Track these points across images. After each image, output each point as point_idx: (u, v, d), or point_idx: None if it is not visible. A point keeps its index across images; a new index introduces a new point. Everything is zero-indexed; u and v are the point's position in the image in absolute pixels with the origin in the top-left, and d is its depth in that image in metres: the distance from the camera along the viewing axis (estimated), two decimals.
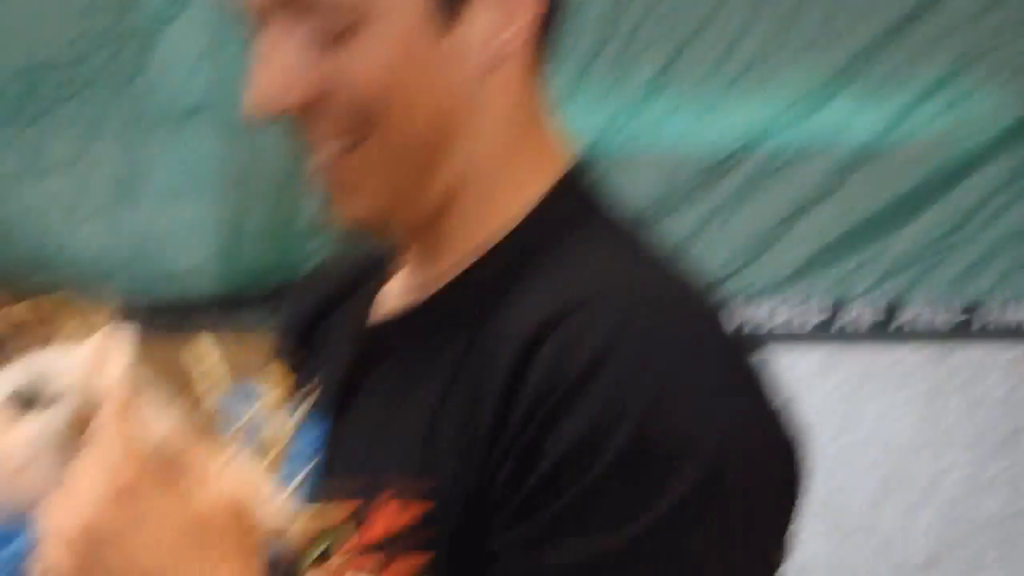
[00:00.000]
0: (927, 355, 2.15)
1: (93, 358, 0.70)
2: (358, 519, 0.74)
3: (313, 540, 0.75)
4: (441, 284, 0.79)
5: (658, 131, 2.18)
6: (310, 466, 0.79)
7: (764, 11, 2.16)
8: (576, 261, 0.74)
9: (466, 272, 0.78)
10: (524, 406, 0.68)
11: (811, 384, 2.12)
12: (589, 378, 0.67)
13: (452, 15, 0.74)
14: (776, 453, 0.71)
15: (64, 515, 0.66)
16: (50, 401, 0.68)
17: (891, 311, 2.16)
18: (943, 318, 2.15)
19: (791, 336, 2.14)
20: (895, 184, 2.16)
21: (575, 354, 0.67)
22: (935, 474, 2.14)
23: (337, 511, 0.75)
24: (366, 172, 0.76)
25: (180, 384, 0.75)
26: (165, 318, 2.13)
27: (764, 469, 0.70)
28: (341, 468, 0.79)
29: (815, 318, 2.17)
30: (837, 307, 2.17)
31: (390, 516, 0.72)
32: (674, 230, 2.07)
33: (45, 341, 0.73)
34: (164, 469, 0.68)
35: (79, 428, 0.68)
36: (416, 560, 0.71)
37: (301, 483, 0.78)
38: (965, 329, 2.15)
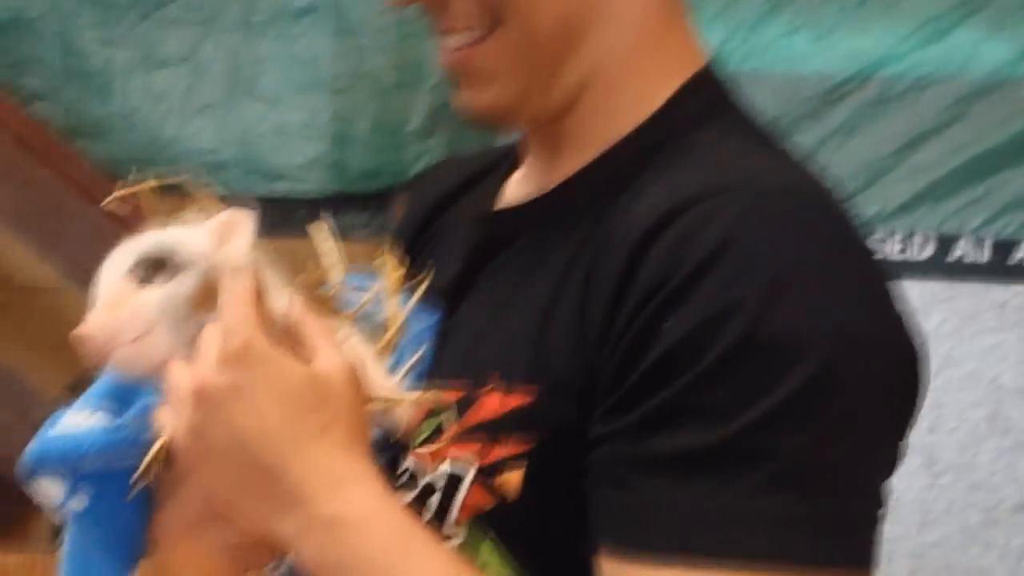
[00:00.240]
0: None
1: (217, 233, 0.71)
2: (464, 404, 0.75)
3: (419, 422, 0.76)
4: (566, 176, 0.78)
5: (774, 52, 2.14)
6: (421, 351, 0.80)
7: None
8: (705, 154, 0.73)
9: (592, 164, 0.77)
10: (640, 293, 0.67)
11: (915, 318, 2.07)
12: (708, 268, 0.66)
13: None
14: (893, 357, 0.70)
15: (183, 377, 0.68)
16: (175, 271, 0.70)
17: (1005, 248, 2.11)
18: None
19: (899, 267, 2.10)
20: (1017, 118, 2.09)
21: (696, 242, 0.67)
22: None
23: (444, 396, 0.75)
24: (496, 62, 0.75)
25: (297, 267, 0.76)
26: (271, 216, 2.17)
27: (879, 372, 0.68)
28: (451, 355, 0.80)
29: (924, 252, 2.13)
30: (948, 241, 2.12)
31: (496, 402, 0.73)
32: None
33: (169, 222, 0.74)
34: (280, 338, 0.70)
35: (202, 298, 0.69)
36: (519, 446, 0.71)
37: (411, 367, 0.79)
38: None
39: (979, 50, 2.10)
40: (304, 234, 0.81)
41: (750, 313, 0.65)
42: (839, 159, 2.11)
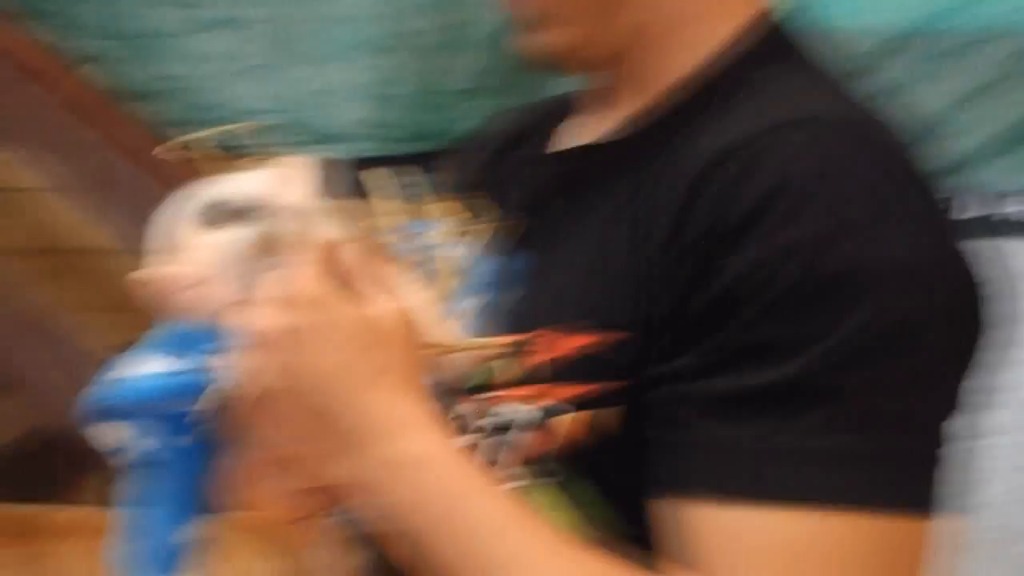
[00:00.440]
0: None
1: (278, 180, 0.72)
2: (521, 349, 0.74)
3: (476, 366, 0.76)
4: (626, 118, 0.78)
5: (829, 8, 2.10)
6: (479, 296, 0.79)
7: None
8: (765, 92, 0.73)
9: (653, 106, 0.77)
10: (698, 232, 0.67)
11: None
12: (767, 204, 0.65)
13: None
14: (955, 294, 0.69)
15: (249, 321, 0.69)
16: (238, 217, 0.70)
17: None
18: None
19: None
20: None
21: (755, 179, 0.66)
22: None
23: (502, 340, 0.75)
24: (557, 4, 0.76)
25: (357, 212, 0.76)
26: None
27: (941, 309, 0.67)
28: (509, 300, 0.79)
29: (978, 209, 2.10)
30: (998, 198, 2.10)
31: (553, 348, 0.73)
32: None
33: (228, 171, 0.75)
34: (341, 280, 0.70)
35: (264, 244, 0.69)
36: (578, 390, 0.71)
37: (469, 312, 0.79)
38: None
39: None
40: (348, 195, 0.81)
41: (811, 250, 0.64)
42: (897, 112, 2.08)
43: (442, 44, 2.48)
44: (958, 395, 0.70)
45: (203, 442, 0.74)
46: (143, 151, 1.95)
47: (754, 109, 0.71)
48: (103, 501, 2.10)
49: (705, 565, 0.65)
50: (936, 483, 0.67)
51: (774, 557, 0.64)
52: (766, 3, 0.79)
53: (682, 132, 0.72)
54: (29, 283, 2.44)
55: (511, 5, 0.78)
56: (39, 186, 2.19)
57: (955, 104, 2.08)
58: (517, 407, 0.73)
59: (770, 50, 0.76)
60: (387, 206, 0.81)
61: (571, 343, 0.72)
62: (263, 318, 0.68)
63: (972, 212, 2.10)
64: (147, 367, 0.73)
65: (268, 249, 0.70)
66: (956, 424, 0.69)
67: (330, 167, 0.74)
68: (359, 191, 0.77)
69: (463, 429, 0.75)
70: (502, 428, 0.73)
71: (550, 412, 0.72)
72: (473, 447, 0.74)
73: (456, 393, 0.76)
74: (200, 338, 0.72)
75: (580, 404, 0.71)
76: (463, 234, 0.83)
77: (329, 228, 0.73)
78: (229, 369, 0.70)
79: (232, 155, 0.77)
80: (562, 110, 0.87)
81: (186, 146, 0.79)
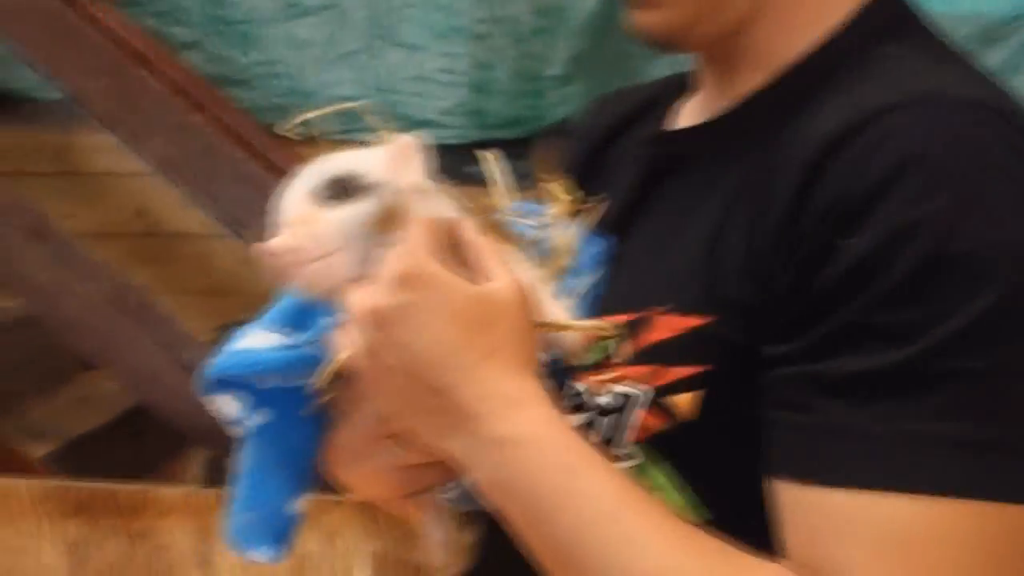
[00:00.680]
0: None
1: (394, 157, 0.72)
2: (634, 330, 0.74)
3: (588, 347, 0.75)
4: (740, 98, 0.76)
5: None
6: (591, 277, 0.79)
7: None
8: (888, 69, 0.71)
9: (768, 84, 0.75)
10: (818, 210, 0.65)
11: None
12: (892, 183, 0.63)
13: None
14: None
15: (360, 298, 0.69)
16: (357, 194, 0.70)
17: None
18: None
19: None
20: None
21: (879, 157, 0.64)
22: None
23: (614, 321, 0.75)
24: None
25: (468, 194, 0.76)
26: None
27: None
28: (619, 281, 0.79)
29: None
30: None
31: (666, 328, 0.72)
32: None
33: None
34: (453, 260, 0.70)
35: (382, 221, 0.70)
36: (690, 371, 0.70)
37: (581, 293, 0.78)
38: None
39: None
40: (443, 181, 0.81)
41: (936, 230, 0.63)
42: None
43: (537, 30, 2.48)
44: None
45: (316, 415, 0.74)
46: (244, 134, 1.98)
47: (880, 85, 0.69)
48: (201, 481, 2.14)
49: (820, 549, 0.64)
50: None
51: (889, 544, 0.63)
52: None
53: (802, 109, 0.71)
54: (130, 265, 2.49)
55: None
56: (142, 170, 2.23)
57: None
58: (630, 386, 0.72)
59: (893, 24, 0.74)
60: (498, 187, 0.81)
61: (684, 323, 0.71)
62: (379, 295, 0.68)
63: None
64: (264, 340, 0.74)
65: (387, 226, 0.70)
66: None
67: (427, 152, 0.74)
68: (454, 176, 0.77)
69: (577, 408, 0.75)
70: (616, 407, 0.73)
71: (665, 390, 0.71)
72: (587, 426, 0.73)
73: (570, 372, 0.76)
74: (315, 314, 0.73)
75: (693, 383, 0.70)
76: (574, 214, 0.82)
77: (446, 206, 0.73)
78: (344, 344, 0.70)
79: (342, 136, 0.77)
80: (678, 89, 0.86)
81: (303, 124, 0.79)
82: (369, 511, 1.68)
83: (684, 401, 0.70)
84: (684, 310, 0.71)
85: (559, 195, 0.83)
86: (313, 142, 0.78)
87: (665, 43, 0.77)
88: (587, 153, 0.91)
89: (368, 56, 2.52)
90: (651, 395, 0.72)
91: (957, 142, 0.65)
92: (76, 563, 1.70)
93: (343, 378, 0.72)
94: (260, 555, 0.77)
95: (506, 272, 0.71)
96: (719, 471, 0.71)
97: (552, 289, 0.77)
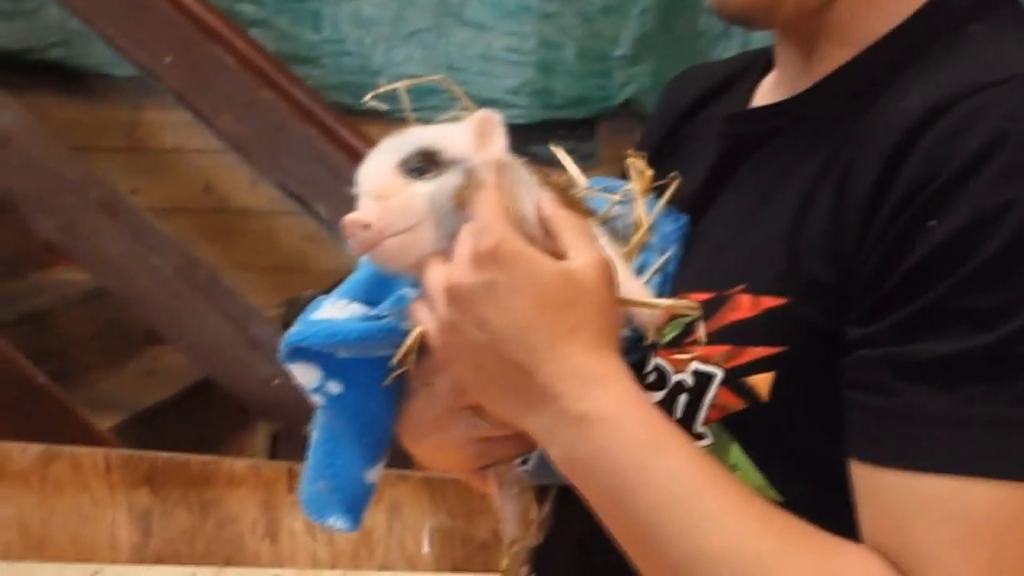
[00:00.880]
0: None
1: (476, 132, 0.71)
2: (710, 309, 0.73)
3: (665, 326, 0.75)
4: (823, 75, 0.75)
5: None
6: (667, 255, 0.78)
7: None
8: (976, 47, 0.70)
9: (853, 61, 0.74)
10: (903, 192, 0.64)
11: None
12: (979, 164, 0.62)
13: None
14: None
15: (439, 274, 0.69)
16: (442, 168, 0.70)
17: None
18: None
19: None
20: None
21: (966, 138, 0.63)
22: None
23: (691, 301, 0.74)
24: None
25: (544, 174, 0.76)
26: None
27: None
28: (697, 259, 0.78)
29: None
30: None
31: (743, 309, 0.71)
32: None
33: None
34: (533, 236, 0.70)
35: (465, 196, 0.69)
36: (767, 352, 0.70)
37: (657, 272, 0.78)
38: None
39: None
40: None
41: (1020, 216, 0.62)
42: None
43: (605, 9, 2.46)
44: None
45: (391, 387, 0.74)
46: (314, 113, 1.99)
47: (969, 64, 0.68)
48: (264, 454, 2.15)
49: (901, 534, 0.64)
50: None
51: (973, 529, 0.62)
52: None
53: (888, 87, 0.70)
54: (197, 241, 2.52)
55: None
56: (210, 147, 2.26)
57: None
58: (710, 364, 0.72)
59: (980, 4, 0.73)
60: (573, 167, 0.81)
61: (763, 303, 0.71)
62: (463, 271, 0.68)
63: None
64: (342, 311, 0.74)
65: (471, 201, 0.69)
66: None
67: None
68: (520, 156, 0.76)
69: (657, 385, 0.74)
70: (693, 386, 0.73)
71: (743, 370, 0.70)
72: (666, 403, 0.73)
73: (650, 349, 0.75)
74: (393, 286, 0.73)
75: (771, 363, 0.70)
76: (651, 190, 0.82)
77: (524, 180, 0.73)
78: (424, 318, 0.70)
79: (412, 114, 0.77)
80: (756, 67, 0.85)
81: (391, 90, 0.79)
82: (434, 486, 1.69)
83: (761, 381, 0.70)
84: (763, 290, 0.71)
85: (638, 170, 0.83)
86: (382, 119, 0.78)
87: (748, 20, 0.76)
88: (665, 131, 0.90)
89: (435, 35, 2.52)
90: (728, 374, 0.71)
91: None
92: (145, 532, 1.73)
93: (420, 351, 0.72)
94: (333, 523, 0.77)
95: (590, 248, 0.70)
96: (790, 453, 0.70)
97: (629, 266, 0.77)
